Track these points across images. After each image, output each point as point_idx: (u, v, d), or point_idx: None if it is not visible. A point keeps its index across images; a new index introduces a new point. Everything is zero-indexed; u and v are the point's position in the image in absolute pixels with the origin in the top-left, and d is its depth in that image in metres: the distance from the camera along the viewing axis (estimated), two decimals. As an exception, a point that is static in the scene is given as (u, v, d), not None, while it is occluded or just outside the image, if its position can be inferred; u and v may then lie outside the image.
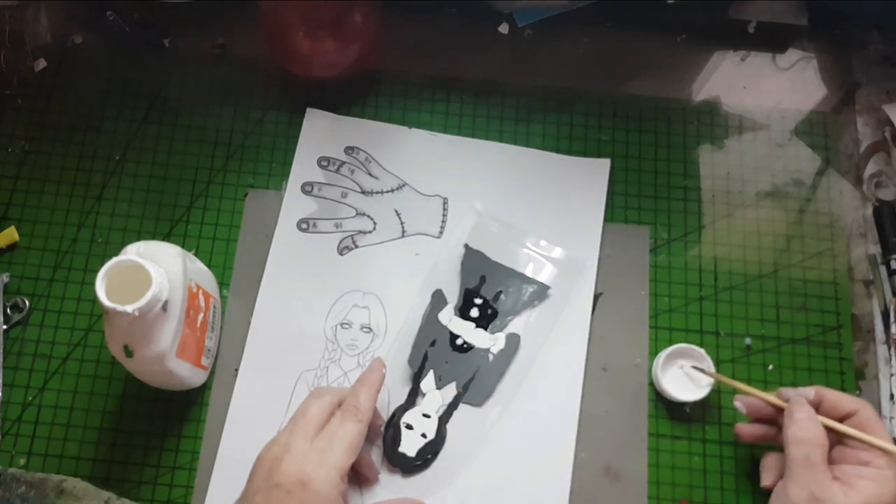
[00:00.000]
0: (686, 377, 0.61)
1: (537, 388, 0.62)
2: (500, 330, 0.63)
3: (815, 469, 0.51)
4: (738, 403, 0.58)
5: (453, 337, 0.63)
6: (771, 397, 0.56)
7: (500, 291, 0.64)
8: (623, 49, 0.73)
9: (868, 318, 0.65)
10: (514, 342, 0.63)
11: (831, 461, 0.53)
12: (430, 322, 0.63)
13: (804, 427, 0.53)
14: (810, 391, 0.55)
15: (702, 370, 0.60)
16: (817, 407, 0.54)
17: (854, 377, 0.63)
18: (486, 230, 0.66)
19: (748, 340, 0.64)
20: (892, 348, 0.63)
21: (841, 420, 0.54)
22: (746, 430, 0.58)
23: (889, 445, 0.52)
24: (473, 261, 0.65)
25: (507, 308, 0.64)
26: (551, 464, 0.60)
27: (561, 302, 0.64)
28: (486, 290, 0.64)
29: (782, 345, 0.64)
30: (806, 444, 0.52)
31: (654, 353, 0.63)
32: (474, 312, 0.63)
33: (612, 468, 0.60)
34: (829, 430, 0.53)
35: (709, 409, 0.62)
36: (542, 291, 0.64)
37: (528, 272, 0.65)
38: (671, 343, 0.63)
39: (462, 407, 0.61)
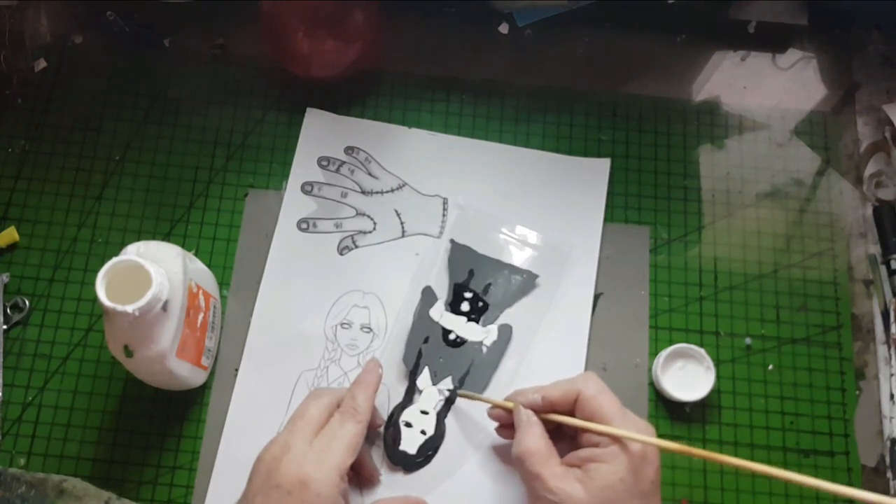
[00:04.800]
0: (687, 378, 0.61)
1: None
2: (492, 322, 0.63)
3: (539, 479, 0.51)
4: (491, 419, 0.58)
5: (446, 332, 0.63)
6: (506, 403, 0.56)
7: (489, 284, 0.64)
8: (623, 49, 0.73)
9: (868, 318, 0.65)
10: (506, 333, 0.63)
11: (578, 443, 0.53)
12: (421, 319, 0.63)
13: (519, 442, 0.53)
14: (538, 398, 0.54)
15: (451, 390, 0.61)
16: (551, 406, 0.54)
17: (854, 377, 0.63)
18: (466, 220, 0.66)
19: (748, 340, 0.64)
20: (892, 348, 0.64)
21: (574, 404, 0.53)
22: (505, 435, 0.58)
23: (597, 426, 0.51)
24: (460, 255, 0.65)
25: (497, 300, 0.64)
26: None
27: (550, 290, 0.64)
28: (475, 284, 0.64)
29: (782, 345, 0.64)
30: (523, 460, 0.52)
31: (654, 353, 0.63)
32: (465, 306, 0.64)
33: (611, 468, 0.60)
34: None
35: (709, 409, 0.62)
36: (530, 280, 0.64)
37: (508, 259, 0.65)
38: (671, 343, 0.63)
39: (459, 401, 0.61)
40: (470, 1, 0.73)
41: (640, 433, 0.50)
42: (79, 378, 0.62)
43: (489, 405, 0.58)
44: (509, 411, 0.56)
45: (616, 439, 0.51)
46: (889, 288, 0.65)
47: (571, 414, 0.54)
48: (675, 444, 0.50)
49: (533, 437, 0.53)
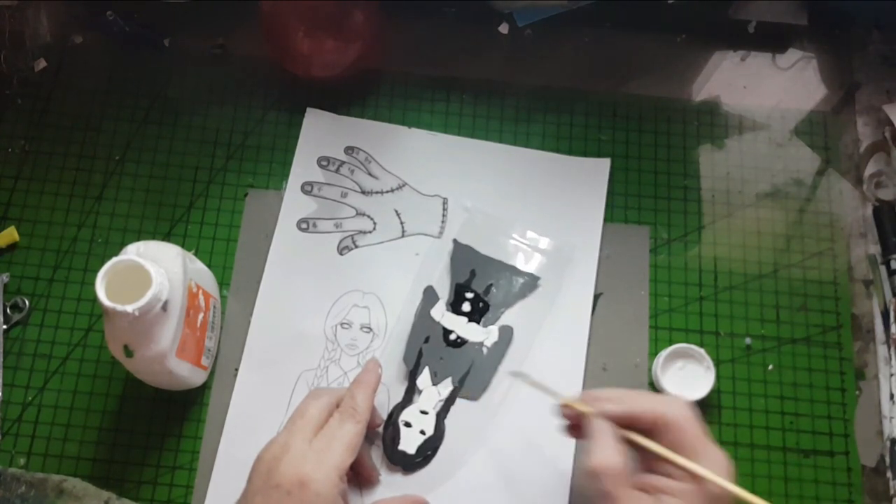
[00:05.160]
0: (687, 378, 0.61)
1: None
2: (493, 323, 0.63)
3: (611, 499, 0.48)
4: (559, 415, 0.54)
5: (446, 332, 0.63)
6: (583, 406, 0.52)
7: (491, 284, 0.64)
8: (623, 49, 0.73)
9: (868, 318, 0.65)
10: (507, 334, 0.63)
11: (649, 468, 0.50)
12: (422, 319, 0.63)
13: (598, 456, 0.49)
14: (617, 409, 0.50)
15: (519, 374, 0.59)
16: (630, 420, 0.50)
17: (854, 377, 0.63)
18: (473, 223, 0.66)
19: (748, 340, 0.64)
20: (892, 348, 0.64)
21: (656, 426, 0.50)
22: (572, 434, 0.55)
23: (681, 460, 0.48)
24: (462, 255, 0.65)
25: (498, 301, 0.64)
26: (551, 463, 0.60)
27: (552, 292, 0.64)
28: (476, 284, 0.64)
29: (782, 345, 0.64)
30: (599, 477, 0.48)
31: (654, 353, 0.63)
32: (466, 307, 0.63)
33: (611, 468, 0.60)
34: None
35: (709, 409, 0.62)
36: (532, 282, 0.64)
37: (518, 264, 0.65)
38: (671, 343, 0.63)
39: (459, 402, 0.61)
40: (470, 1, 0.73)
41: (721, 470, 0.48)
42: (79, 378, 0.62)
43: (548, 400, 0.55)
44: (577, 411, 0.52)
45: (694, 477, 0.48)
46: (889, 288, 0.65)
47: (648, 432, 0.50)
48: (758, 498, 0.48)
49: (611, 453, 0.49)
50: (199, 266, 0.60)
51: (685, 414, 0.50)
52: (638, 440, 0.50)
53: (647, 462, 0.51)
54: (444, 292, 0.64)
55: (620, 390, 0.52)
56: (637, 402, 0.51)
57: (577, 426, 0.53)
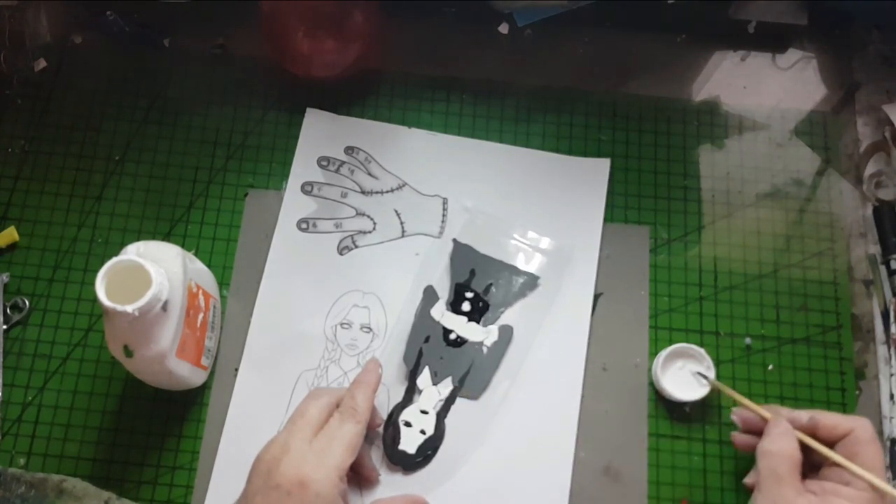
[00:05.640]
0: (686, 377, 0.61)
1: (537, 388, 0.62)
2: (493, 322, 0.63)
3: (780, 482, 0.51)
4: (735, 417, 0.58)
5: (446, 332, 0.63)
6: (762, 411, 0.56)
7: (491, 284, 0.64)
8: (623, 49, 0.73)
9: (868, 318, 0.65)
10: (506, 334, 0.63)
11: (820, 477, 0.53)
12: (422, 318, 0.63)
13: (774, 440, 0.53)
14: (804, 416, 0.54)
15: (705, 377, 0.60)
16: (813, 431, 0.54)
17: (854, 377, 0.63)
18: (474, 224, 0.66)
19: (748, 340, 0.64)
20: (892, 348, 0.64)
21: (838, 440, 0.53)
22: (740, 439, 0.58)
23: (862, 472, 0.51)
24: (462, 255, 0.65)
25: (498, 300, 0.64)
26: (551, 463, 0.60)
27: (551, 291, 0.64)
28: (476, 284, 0.64)
29: (782, 345, 0.64)
30: (773, 456, 0.52)
31: (654, 353, 0.63)
32: (466, 306, 0.64)
33: (612, 468, 0.60)
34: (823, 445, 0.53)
35: (709, 409, 0.62)
36: (531, 281, 0.64)
37: (517, 263, 0.65)
38: (671, 343, 0.63)
39: (459, 401, 0.61)
40: (470, 1, 0.73)
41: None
42: (79, 378, 0.62)
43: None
44: (763, 419, 0.56)
45: (873, 490, 0.50)
46: (889, 288, 0.65)
47: (826, 446, 0.53)
48: None
49: (791, 443, 0.52)
50: (199, 266, 0.60)
51: (873, 434, 0.52)
52: (817, 445, 0.53)
53: (814, 473, 0.53)
54: (444, 292, 0.64)
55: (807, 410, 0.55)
56: (825, 415, 0.54)
57: (747, 432, 0.57)
